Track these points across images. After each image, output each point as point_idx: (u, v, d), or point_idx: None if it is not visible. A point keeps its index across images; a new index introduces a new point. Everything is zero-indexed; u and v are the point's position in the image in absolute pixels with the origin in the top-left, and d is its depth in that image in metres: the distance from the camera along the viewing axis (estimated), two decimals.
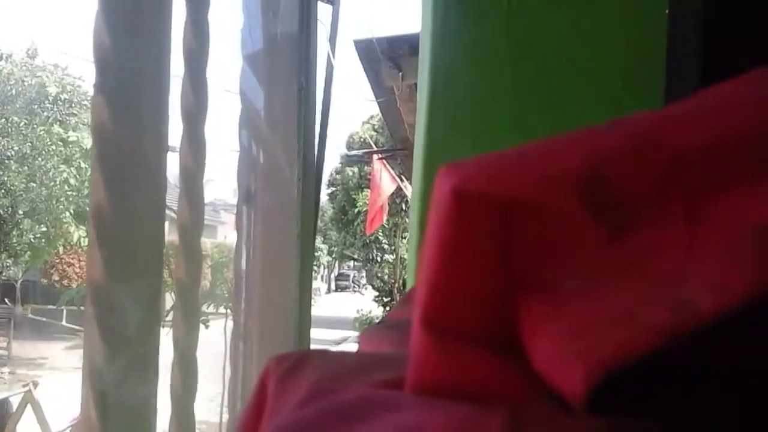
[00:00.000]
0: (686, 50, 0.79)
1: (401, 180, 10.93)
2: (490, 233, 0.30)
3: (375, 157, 11.47)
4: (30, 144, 14.83)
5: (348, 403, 0.31)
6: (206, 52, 0.88)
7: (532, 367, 0.29)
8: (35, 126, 14.94)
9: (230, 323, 1.60)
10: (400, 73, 5.53)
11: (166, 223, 0.83)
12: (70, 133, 15.38)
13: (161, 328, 0.77)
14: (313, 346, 1.83)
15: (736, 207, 0.28)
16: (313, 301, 1.86)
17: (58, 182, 15.10)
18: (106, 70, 0.64)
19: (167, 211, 0.83)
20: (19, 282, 17.14)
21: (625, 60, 0.97)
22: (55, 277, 16.88)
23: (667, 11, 0.88)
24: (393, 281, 15.70)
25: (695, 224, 0.29)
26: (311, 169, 1.81)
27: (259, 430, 0.37)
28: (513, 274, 0.31)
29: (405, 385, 0.32)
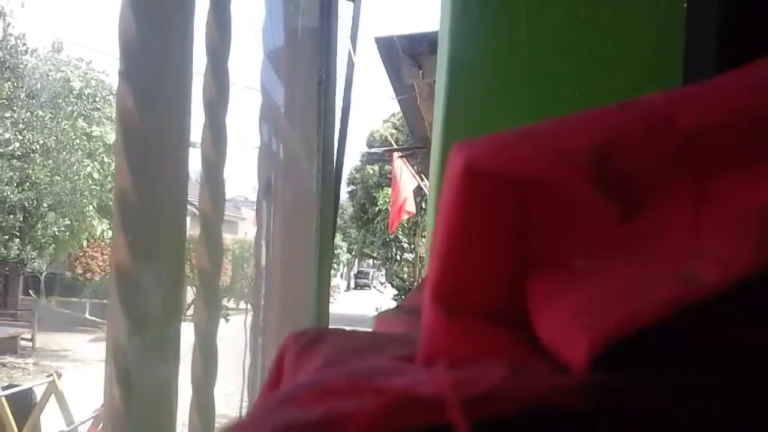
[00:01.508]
0: (704, 40, 0.79)
1: (421, 178, 10.93)
2: (502, 210, 0.31)
3: (395, 155, 11.48)
4: (54, 138, 15.04)
5: (362, 368, 0.32)
6: (228, 43, 0.90)
7: (539, 342, 0.30)
8: (60, 120, 15.15)
9: (250, 318, 1.61)
10: (420, 71, 5.54)
11: (188, 219, 0.84)
12: (94, 127, 15.58)
13: (182, 322, 0.79)
14: None
15: (744, 186, 0.29)
16: (332, 298, 1.87)
17: (82, 176, 15.31)
18: (131, 56, 0.66)
19: (188, 207, 0.85)
20: (44, 274, 17.41)
21: (644, 50, 0.96)
22: (79, 270, 17.11)
23: (685, 2, 0.88)
24: (412, 280, 15.69)
25: (703, 203, 0.30)
26: (330, 162, 1.82)
27: None
28: (524, 251, 0.32)
29: (416, 359, 0.33)
